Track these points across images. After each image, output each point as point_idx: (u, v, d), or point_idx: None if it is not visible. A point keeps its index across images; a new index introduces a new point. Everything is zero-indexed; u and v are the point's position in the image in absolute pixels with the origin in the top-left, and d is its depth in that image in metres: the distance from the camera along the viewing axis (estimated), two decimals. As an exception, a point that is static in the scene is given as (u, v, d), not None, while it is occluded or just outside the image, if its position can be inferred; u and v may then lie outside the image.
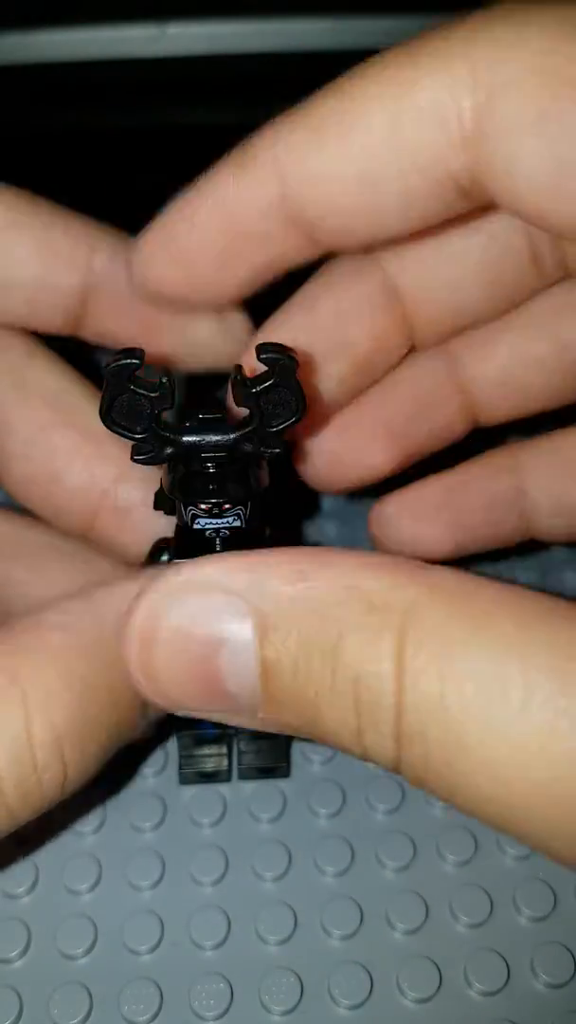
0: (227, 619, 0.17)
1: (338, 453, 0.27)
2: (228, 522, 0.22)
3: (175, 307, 0.25)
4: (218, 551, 0.24)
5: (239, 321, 0.27)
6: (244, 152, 0.21)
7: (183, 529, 0.25)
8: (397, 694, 0.16)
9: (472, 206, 0.21)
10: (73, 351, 0.28)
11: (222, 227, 0.22)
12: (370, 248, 0.23)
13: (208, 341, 0.27)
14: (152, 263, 0.23)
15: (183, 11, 0.44)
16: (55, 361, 0.27)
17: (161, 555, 0.25)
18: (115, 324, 0.27)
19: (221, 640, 0.17)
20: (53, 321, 0.27)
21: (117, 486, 0.26)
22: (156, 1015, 0.23)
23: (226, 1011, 0.23)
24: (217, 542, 0.24)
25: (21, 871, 0.25)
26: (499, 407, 0.28)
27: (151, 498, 0.25)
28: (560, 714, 0.14)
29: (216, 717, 0.19)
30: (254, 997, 0.23)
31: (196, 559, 0.18)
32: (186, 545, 0.24)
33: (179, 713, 0.19)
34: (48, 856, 0.26)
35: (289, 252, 0.23)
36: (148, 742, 0.28)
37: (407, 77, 0.19)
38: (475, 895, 0.25)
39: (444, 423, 0.28)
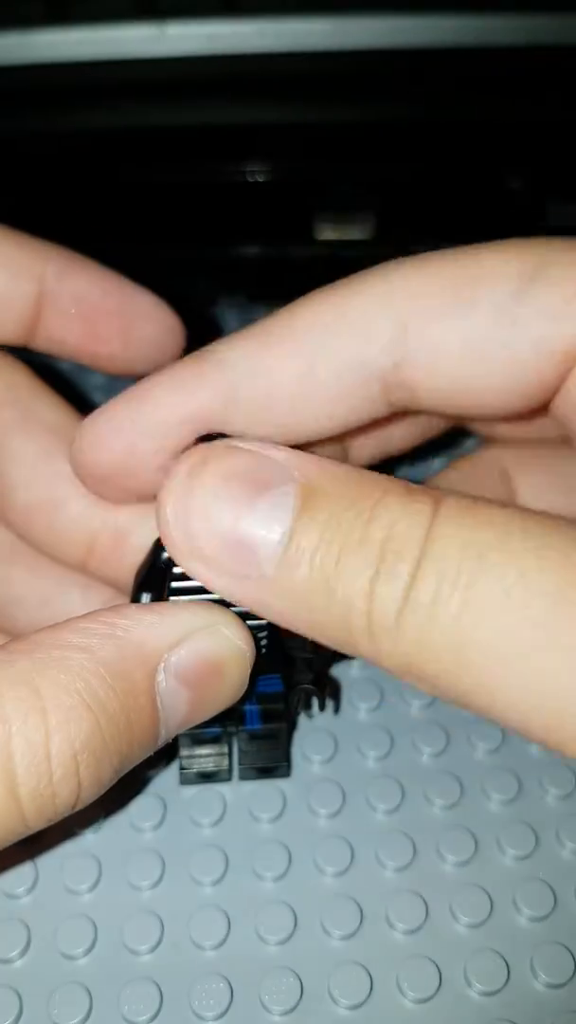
0: (271, 475, 0.19)
1: None
2: None
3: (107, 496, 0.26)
4: None
5: (176, 328, 0.30)
6: (188, 362, 0.24)
7: None
8: (422, 547, 0.17)
9: (393, 408, 0.23)
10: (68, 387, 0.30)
11: (160, 429, 0.24)
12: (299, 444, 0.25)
13: (148, 347, 0.29)
14: (96, 449, 0.25)
15: (183, 11, 0.44)
16: (57, 397, 0.29)
17: (163, 550, 0.25)
18: (63, 333, 0.29)
19: (260, 494, 0.19)
20: (9, 329, 0.28)
21: (117, 511, 0.27)
22: (156, 1015, 0.23)
23: (226, 1011, 0.23)
24: None
25: (21, 871, 0.25)
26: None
27: (149, 520, 0.26)
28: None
29: (221, 583, 0.19)
30: (254, 997, 0.23)
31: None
32: None
33: (192, 572, 0.20)
34: (48, 856, 0.26)
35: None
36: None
37: (342, 301, 0.22)
38: (475, 895, 0.25)
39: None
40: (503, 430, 0.29)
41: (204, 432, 0.24)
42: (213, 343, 0.23)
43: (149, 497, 0.23)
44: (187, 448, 0.23)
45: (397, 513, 0.18)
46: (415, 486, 0.19)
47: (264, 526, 0.19)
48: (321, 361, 0.22)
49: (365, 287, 0.22)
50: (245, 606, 0.20)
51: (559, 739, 0.17)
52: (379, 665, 0.18)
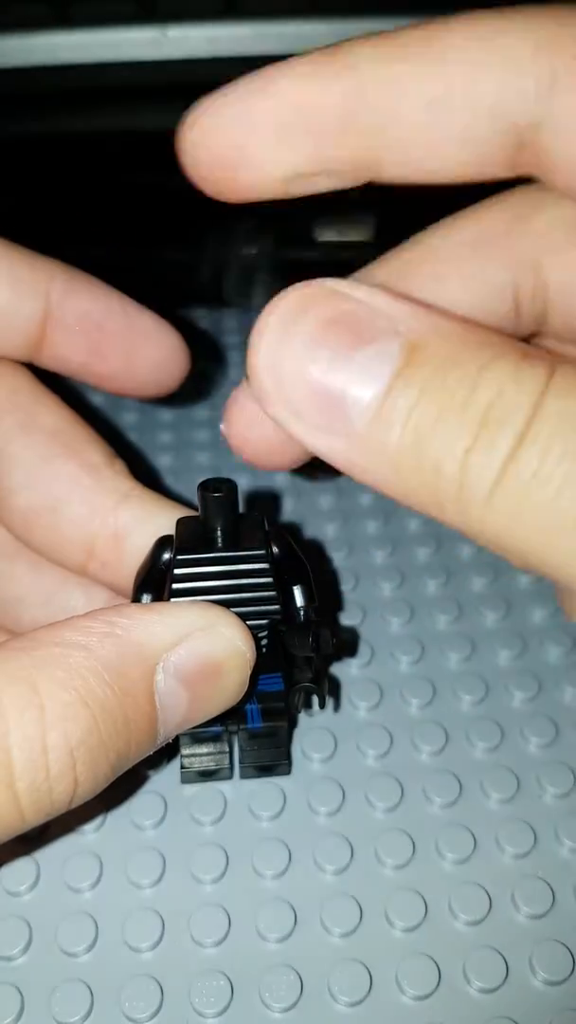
0: (374, 326, 0.17)
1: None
2: None
3: (220, 191, 0.24)
4: (219, 544, 0.25)
5: (180, 349, 0.29)
6: (318, 54, 0.21)
7: (182, 523, 0.25)
8: (528, 419, 0.16)
9: (515, 171, 0.21)
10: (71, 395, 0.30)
11: (281, 116, 0.21)
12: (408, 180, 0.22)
13: (152, 368, 0.29)
14: (202, 141, 0.23)
15: (183, 15, 0.44)
16: (58, 403, 0.29)
17: (164, 550, 0.25)
18: (67, 351, 0.29)
19: (360, 345, 0.17)
20: (16, 345, 0.28)
21: (116, 512, 0.27)
22: (157, 1012, 0.23)
23: (226, 1008, 0.23)
24: (218, 535, 0.25)
25: (22, 869, 0.25)
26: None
27: (149, 520, 0.26)
28: None
29: (308, 435, 0.18)
30: (254, 994, 0.23)
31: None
32: (188, 539, 0.25)
33: (278, 420, 0.18)
34: (49, 854, 0.26)
35: (335, 164, 0.22)
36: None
37: (493, 29, 0.20)
38: (474, 893, 0.25)
39: None
40: None
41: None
42: (350, 40, 0.21)
43: (256, 190, 0.22)
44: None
45: (506, 380, 0.17)
46: (531, 349, 0.17)
47: (360, 380, 0.17)
48: (459, 90, 0.20)
49: (519, 25, 0.20)
50: (331, 461, 0.19)
51: None
52: (466, 533, 0.18)
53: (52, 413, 0.28)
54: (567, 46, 0.19)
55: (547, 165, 0.20)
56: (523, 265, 0.22)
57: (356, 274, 0.23)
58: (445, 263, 0.22)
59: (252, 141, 0.22)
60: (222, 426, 0.25)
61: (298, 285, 0.18)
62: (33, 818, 0.19)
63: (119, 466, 0.28)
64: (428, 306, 0.18)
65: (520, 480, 0.16)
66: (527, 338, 0.24)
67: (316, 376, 0.18)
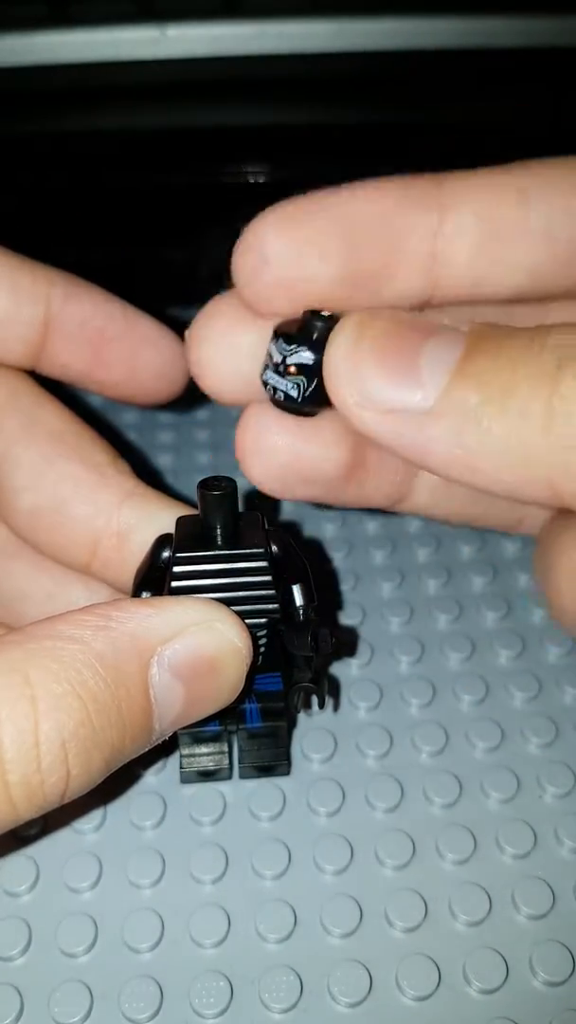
0: (437, 325, 0.20)
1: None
2: (286, 386, 0.24)
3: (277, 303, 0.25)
4: (219, 543, 0.25)
5: (182, 356, 0.30)
6: (408, 184, 0.24)
7: (182, 522, 0.25)
8: None
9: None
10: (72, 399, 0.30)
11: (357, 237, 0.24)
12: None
13: (154, 375, 0.30)
14: (277, 248, 0.24)
15: (183, 14, 0.44)
16: (60, 406, 0.29)
17: (164, 549, 0.25)
18: (68, 358, 0.29)
19: (429, 335, 0.20)
20: (16, 352, 0.29)
21: (119, 511, 0.27)
22: (156, 1013, 0.23)
23: (226, 1009, 0.23)
24: (218, 534, 0.25)
25: (21, 869, 0.25)
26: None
27: (151, 519, 0.27)
28: None
29: (393, 398, 0.20)
30: (254, 995, 0.23)
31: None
32: (187, 537, 0.25)
33: (358, 412, 0.21)
34: (48, 854, 0.26)
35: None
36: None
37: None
38: (474, 893, 0.25)
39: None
40: None
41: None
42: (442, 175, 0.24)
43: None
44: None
45: (567, 331, 0.19)
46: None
47: (432, 361, 0.20)
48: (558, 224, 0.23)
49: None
50: (416, 446, 0.20)
51: None
52: (551, 479, 0.19)
53: (54, 415, 0.28)
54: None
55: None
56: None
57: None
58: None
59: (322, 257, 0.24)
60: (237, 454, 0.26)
61: (349, 315, 0.21)
62: (26, 811, 0.19)
63: (122, 466, 0.28)
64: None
65: None
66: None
67: (389, 373, 0.20)
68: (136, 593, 0.25)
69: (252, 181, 0.44)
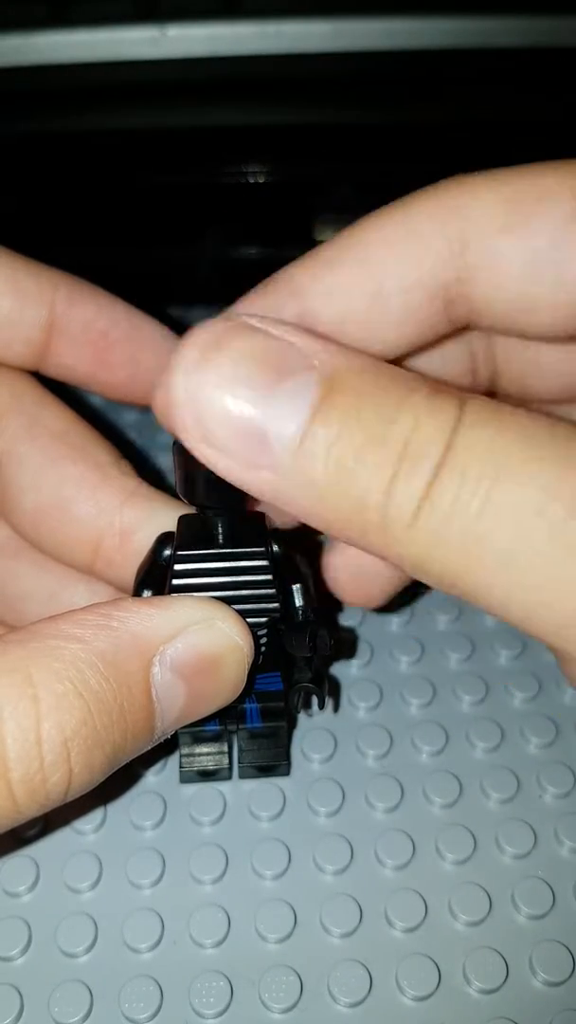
0: (290, 361, 0.18)
1: None
2: None
3: None
4: (220, 542, 0.25)
5: None
6: (263, 290, 0.24)
7: (184, 520, 0.25)
8: (446, 449, 0.17)
9: (454, 325, 0.24)
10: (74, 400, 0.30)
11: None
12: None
13: (156, 378, 0.29)
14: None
15: (183, 14, 0.44)
16: (63, 406, 0.29)
17: (165, 547, 0.25)
18: (72, 359, 0.29)
19: (279, 380, 0.18)
20: (20, 354, 0.29)
21: (121, 511, 0.27)
22: (156, 1013, 0.23)
23: (226, 1009, 0.23)
24: (219, 532, 0.25)
25: (22, 869, 0.25)
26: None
27: (154, 518, 0.27)
28: None
29: (233, 470, 0.19)
30: (254, 995, 0.23)
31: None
32: (188, 536, 0.25)
33: (203, 457, 0.19)
34: (48, 854, 0.26)
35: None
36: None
37: (404, 220, 0.23)
38: (474, 893, 0.25)
39: None
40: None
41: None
42: (286, 268, 0.24)
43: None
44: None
45: (422, 413, 0.18)
46: (441, 385, 0.18)
47: (282, 415, 0.18)
48: (390, 279, 0.22)
49: (425, 206, 0.22)
50: (259, 494, 0.19)
51: (567, 637, 0.17)
52: (388, 559, 0.18)
53: (56, 415, 0.28)
54: (473, 213, 0.22)
55: (475, 309, 0.23)
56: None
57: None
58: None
59: None
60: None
61: (213, 320, 0.19)
62: (28, 809, 0.19)
63: (124, 466, 0.28)
64: (341, 344, 0.19)
65: (440, 507, 0.17)
66: (458, 330, 0.25)
67: (238, 412, 0.18)
68: (137, 591, 0.25)
69: (252, 181, 0.44)
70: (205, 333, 0.19)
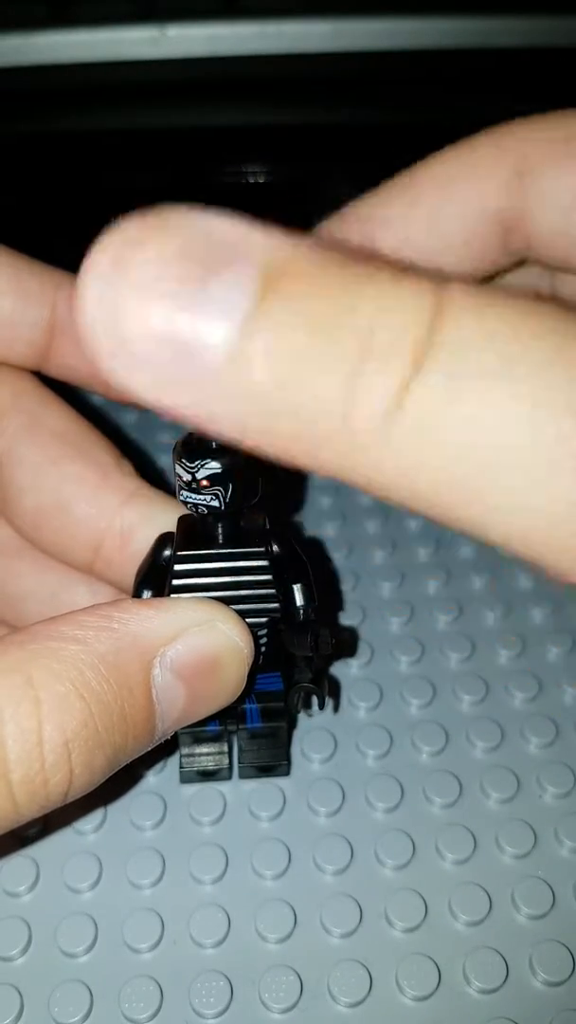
0: (224, 254, 0.15)
1: None
2: (205, 500, 0.23)
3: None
4: (220, 542, 0.25)
5: None
6: (339, 212, 0.25)
7: (184, 520, 0.25)
8: (424, 339, 0.14)
9: (512, 257, 0.24)
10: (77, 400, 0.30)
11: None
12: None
13: None
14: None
15: (183, 14, 0.44)
16: (64, 406, 0.29)
17: (164, 548, 0.25)
18: (75, 360, 0.29)
19: (210, 276, 0.15)
20: (22, 354, 0.28)
21: (122, 511, 0.27)
22: (156, 1013, 0.23)
23: (226, 1009, 0.23)
24: (219, 533, 0.25)
25: (22, 869, 0.25)
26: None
27: (154, 519, 0.27)
28: None
29: (158, 389, 0.15)
30: (254, 995, 0.23)
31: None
32: (188, 536, 0.25)
33: (119, 378, 0.15)
34: (49, 854, 0.26)
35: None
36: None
37: (463, 154, 0.24)
38: (474, 893, 0.25)
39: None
40: None
41: None
42: (358, 199, 0.24)
43: None
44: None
45: (388, 298, 0.14)
46: (411, 267, 0.15)
47: (213, 314, 0.14)
48: (447, 207, 0.23)
49: (484, 142, 0.23)
50: (185, 415, 0.16)
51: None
52: (349, 479, 0.15)
53: (58, 415, 0.28)
54: (529, 147, 0.22)
55: (532, 241, 0.23)
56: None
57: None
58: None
59: None
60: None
61: (133, 218, 0.15)
62: (28, 810, 0.19)
63: (125, 466, 0.28)
64: (292, 234, 0.15)
65: (421, 406, 0.14)
66: (517, 264, 0.25)
67: (160, 317, 0.15)
68: (137, 592, 0.25)
69: (252, 181, 0.44)
70: (121, 230, 0.15)
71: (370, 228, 0.23)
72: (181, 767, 0.27)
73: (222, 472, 0.23)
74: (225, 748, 0.27)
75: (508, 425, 0.14)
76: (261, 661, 0.25)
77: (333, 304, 0.14)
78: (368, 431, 0.14)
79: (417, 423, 0.14)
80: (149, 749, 0.22)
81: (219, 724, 0.26)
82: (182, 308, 0.15)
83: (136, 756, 0.21)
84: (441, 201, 0.23)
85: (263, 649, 0.25)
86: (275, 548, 0.26)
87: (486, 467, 0.14)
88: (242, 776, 0.27)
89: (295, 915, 0.25)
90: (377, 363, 0.14)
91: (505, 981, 0.23)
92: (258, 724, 0.26)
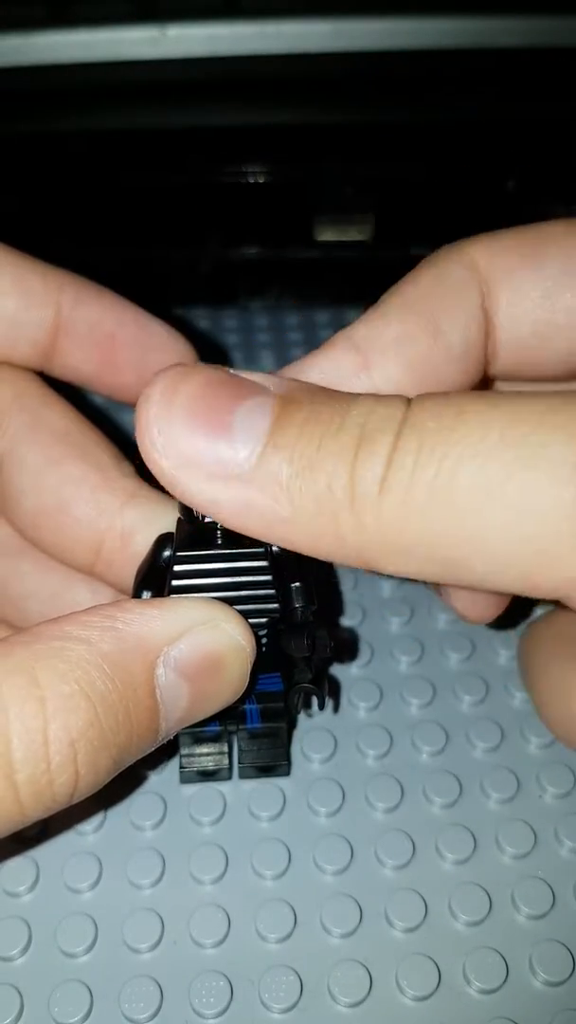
0: (247, 388, 0.20)
1: None
2: None
3: None
4: (219, 543, 0.25)
5: (192, 360, 0.30)
6: (327, 342, 0.25)
7: (183, 522, 0.25)
8: (400, 424, 0.19)
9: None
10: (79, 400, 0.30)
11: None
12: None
13: None
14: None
15: (183, 13, 0.44)
16: (66, 406, 0.29)
17: (164, 548, 0.25)
18: (79, 360, 0.29)
19: (239, 400, 0.20)
20: (26, 354, 0.29)
21: (122, 512, 0.27)
22: (156, 1013, 0.23)
23: (226, 1009, 0.23)
24: (218, 533, 0.25)
25: (22, 869, 0.25)
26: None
27: (154, 520, 0.27)
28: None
29: (208, 488, 0.20)
30: (254, 995, 0.23)
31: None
32: (188, 537, 0.25)
33: (170, 471, 0.20)
34: (49, 854, 0.26)
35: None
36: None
37: (440, 273, 0.25)
38: (474, 893, 0.25)
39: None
40: None
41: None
42: (343, 329, 0.25)
43: None
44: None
45: (373, 404, 0.19)
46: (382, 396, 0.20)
47: (245, 427, 0.20)
48: (444, 319, 0.24)
49: (447, 257, 0.25)
50: (231, 511, 0.20)
51: (543, 575, 0.18)
52: (361, 551, 0.19)
53: (59, 415, 0.28)
54: (492, 261, 0.24)
55: (498, 348, 0.25)
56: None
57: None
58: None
59: None
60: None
61: (168, 368, 0.21)
62: (33, 811, 0.19)
63: (126, 467, 0.28)
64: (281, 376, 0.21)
65: (404, 470, 0.18)
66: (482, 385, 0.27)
67: (205, 431, 0.20)
68: (137, 592, 0.25)
69: (252, 181, 0.44)
70: (164, 375, 0.20)
71: (367, 354, 0.24)
72: (181, 767, 0.27)
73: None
74: (225, 748, 0.27)
75: (469, 467, 0.18)
76: (261, 662, 0.25)
77: (333, 411, 0.20)
78: (370, 499, 0.19)
79: (402, 484, 0.18)
80: (153, 749, 0.22)
81: (219, 724, 0.26)
82: (218, 424, 0.20)
83: (140, 756, 0.21)
84: (434, 315, 0.24)
85: (263, 649, 0.25)
86: (275, 548, 0.26)
87: (463, 514, 0.18)
88: (242, 776, 0.27)
89: (295, 915, 0.25)
90: (369, 446, 0.19)
91: (505, 981, 0.23)
92: (258, 724, 0.26)
